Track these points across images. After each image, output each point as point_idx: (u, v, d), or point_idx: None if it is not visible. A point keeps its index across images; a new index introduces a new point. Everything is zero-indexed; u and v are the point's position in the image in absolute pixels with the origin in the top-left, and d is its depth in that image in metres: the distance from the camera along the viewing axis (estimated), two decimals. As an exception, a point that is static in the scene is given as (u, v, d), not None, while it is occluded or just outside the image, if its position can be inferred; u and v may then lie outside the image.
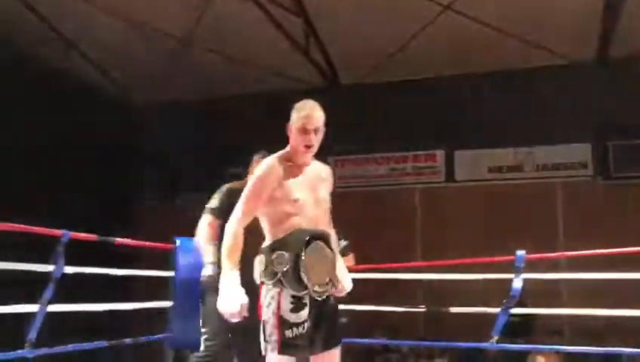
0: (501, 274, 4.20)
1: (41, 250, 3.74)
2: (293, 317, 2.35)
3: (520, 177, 8.32)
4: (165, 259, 4.99)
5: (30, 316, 3.61)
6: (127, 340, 4.70)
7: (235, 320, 2.36)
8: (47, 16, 7.58)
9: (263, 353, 2.41)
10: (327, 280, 2.42)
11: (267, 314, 2.39)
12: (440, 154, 8.70)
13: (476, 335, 4.60)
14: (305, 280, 2.33)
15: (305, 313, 2.36)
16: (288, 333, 2.34)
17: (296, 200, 2.46)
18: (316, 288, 2.36)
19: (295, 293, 2.36)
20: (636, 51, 7.60)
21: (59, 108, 7.90)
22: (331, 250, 2.48)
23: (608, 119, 7.82)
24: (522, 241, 4.41)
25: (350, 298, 4.71)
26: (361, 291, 5.15)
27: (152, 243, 4.92)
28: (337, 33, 7.83)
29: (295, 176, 2.52)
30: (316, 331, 2.41)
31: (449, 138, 8.51)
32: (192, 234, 5.10)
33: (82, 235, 3.85)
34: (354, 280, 2.74)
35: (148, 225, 8.81)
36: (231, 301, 2.33)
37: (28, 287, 3.80)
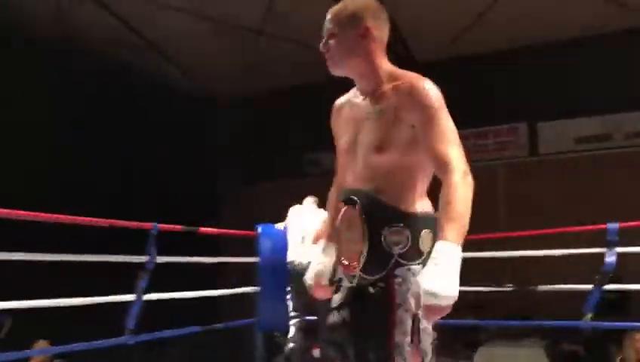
0: (592, 248, 4.04)
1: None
2: (332, 299, 1.82)
3: (608, 146, 7.90)
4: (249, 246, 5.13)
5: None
6: (219, 325, 4.87)
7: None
8: (123, 16, 7.90)
9: None
10: (350, 258, 1.72)
11: None
12: (522, 127, 8.41)
13: (568, 312, 4.45)
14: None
15: (338, 297, 1.78)
16: (328, 319, 1.81)
17: (340, 149, 1.87)
18: (341, 269, 1.79)
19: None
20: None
21: (141, 107, 8.23)
22: (361, 218, 1.68)
23: None
24: (611, 214, 4.20)
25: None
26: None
27: (234, 231, 5.07)
28: (410, 9, 7.68)
29: (347, 114, 1.86)
30: (351, 327, 1.73)
31: (531, 111, 8.20)
32: (271, 220, 5.23)
33: (169, 226, 4.01)
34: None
35: (230, 214, 9.05)
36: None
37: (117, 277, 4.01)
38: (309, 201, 4.96)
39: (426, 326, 1.63)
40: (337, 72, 1.81)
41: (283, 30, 7.97)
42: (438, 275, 1.46)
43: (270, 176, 9.72)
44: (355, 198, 1.70)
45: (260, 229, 4.94)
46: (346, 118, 1.84)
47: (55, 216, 3.33)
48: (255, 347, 5.07)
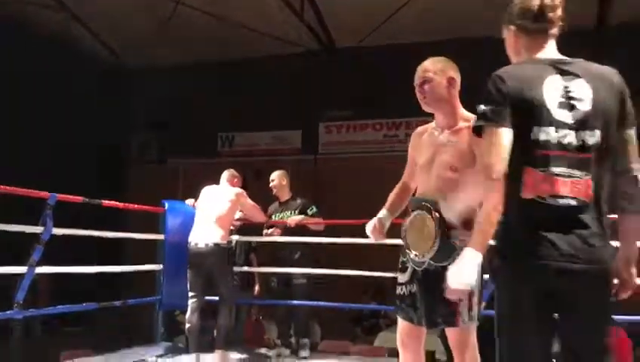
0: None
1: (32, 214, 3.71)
2: (398, 277, 2.45)
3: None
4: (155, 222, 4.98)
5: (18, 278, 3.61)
6: (117, 302, 4.70)
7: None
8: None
9: None
10: (422, 250, 2.29)
11: None
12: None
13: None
14: (404, 245, 2.39)
15: (405, 276, 2.40)
16: (397, 290, 2.45)
17: (416, 166, 2.49)
18: (412, 255, 2.34)
19: (402, 256, 2.44)
20: (634, 18, 7.49)
21: (52, 74, 7.79)
22: (434, 220, 2.25)
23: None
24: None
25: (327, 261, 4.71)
26: (349, 255, 5.13)
27: (139, 206, 4.87)
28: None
29: (426, 140, 2.48)
30: (420, 302, 2.36)
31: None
32: (182, 197, 5.10)
33: (69, 197, 3.80)
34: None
35: (139, 188, 8.79)
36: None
37: (16, 250, 3.79)
38: (224, 177, 4.81)
39: (477, 296, 2.28)
40: (428, 110, 2.42)
41: (202, 2, 7.76)
42: (457, 271, 1.91)
43: (183, 153, 9.52)
44: (429, 205, 2.26)
45: (166, 205, 4.80)
46: (426, 144, 2.45)
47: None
48: (155, 325, 4.96)
